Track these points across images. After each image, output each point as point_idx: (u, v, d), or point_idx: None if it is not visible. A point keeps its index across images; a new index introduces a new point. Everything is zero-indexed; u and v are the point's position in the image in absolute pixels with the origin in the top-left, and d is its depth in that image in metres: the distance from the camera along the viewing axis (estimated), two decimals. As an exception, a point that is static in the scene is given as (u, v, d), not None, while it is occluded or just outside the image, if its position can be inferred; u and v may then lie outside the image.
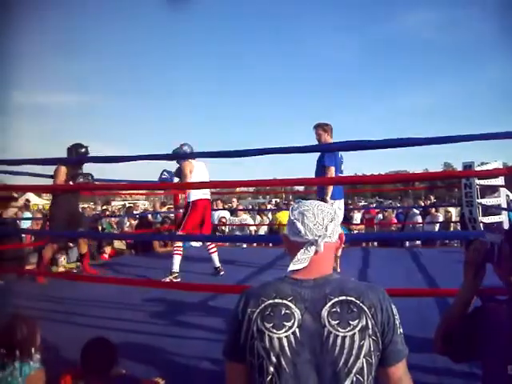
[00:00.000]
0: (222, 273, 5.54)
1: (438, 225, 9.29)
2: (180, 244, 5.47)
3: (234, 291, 3.58)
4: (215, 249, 5.69)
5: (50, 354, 2.66)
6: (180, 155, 5.52)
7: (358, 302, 1.32)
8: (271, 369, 1.29)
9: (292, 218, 1.42)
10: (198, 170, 5.54)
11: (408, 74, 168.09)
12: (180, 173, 5.60)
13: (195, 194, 5.54)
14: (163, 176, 5.64)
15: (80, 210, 6.06)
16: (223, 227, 9.84)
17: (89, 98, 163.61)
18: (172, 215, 9.59)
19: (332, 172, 5.00)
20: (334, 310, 1.31)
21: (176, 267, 5.29)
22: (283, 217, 9.49)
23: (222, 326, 3.42)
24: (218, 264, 5.63)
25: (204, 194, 5.63)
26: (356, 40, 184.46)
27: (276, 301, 1.35)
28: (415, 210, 9.94)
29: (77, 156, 5.31)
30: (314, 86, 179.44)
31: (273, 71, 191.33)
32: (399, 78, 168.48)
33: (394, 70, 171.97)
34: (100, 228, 9.72)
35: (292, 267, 1.37)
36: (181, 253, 5.39)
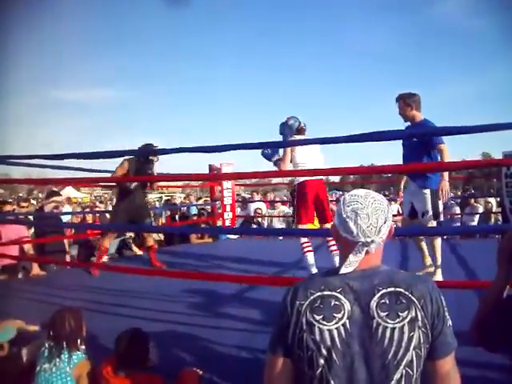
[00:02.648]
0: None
1: (477, 216, 9.08)
2: (305, 240, 4.57)
3: (270, 283, 3.62)
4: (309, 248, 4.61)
5: (92, 344, 2.74)
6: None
7: (407, 293, 1.31)
8: (321, 361, 1.28)
9: (344, 214, 1.35)
10: (305, 149, 4.55)
11: (451, 61, 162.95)
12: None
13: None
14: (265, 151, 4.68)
15: (145, 203, 6.03)
16: (259, 219, 9.86)
17: (129, 93, 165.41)
18: (208, 207, 9.67)
19: (448, 152, 4.02)
20: (383, 301, 1.30)
21: (311, 265, 4.51)
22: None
23: (259, 317, 3.44)
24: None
25: None
26: (394, 26, 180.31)
27: (325, 293, 1.34)
28: (453, 201, 9.75)
29: (144, 153, 5.30)
30: (350, 74, 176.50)
31: (305, 58, 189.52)
32: (441, 66, 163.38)
33: (436, 57, 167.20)
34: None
35: (344, 270, 1.35)
36: (311, 249, 4.57)
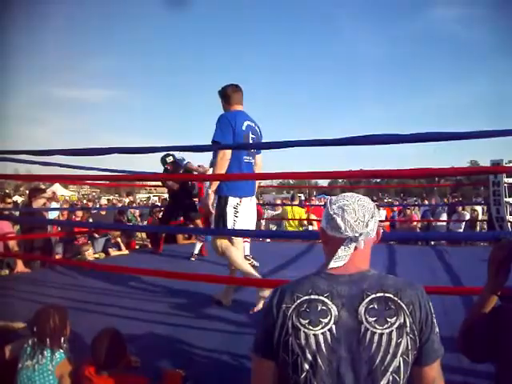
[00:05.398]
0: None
1: (464, 223, 9.14)
2: None
3: (257, 285, 3.59)
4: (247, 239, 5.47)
5: (75, 343, 2.70)
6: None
7: (396, 298, 1.30)
8: (306, 366, 1.27)
9: (331, 212, 1.37)
10: None
11: (440, 71, 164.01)
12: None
13: None
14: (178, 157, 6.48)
15: (191, 201, 7.16)
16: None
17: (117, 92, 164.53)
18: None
19: (225, 154, 3.49)
20: (372, 306, 1.29)
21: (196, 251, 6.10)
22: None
23: (244, 319, 3.42)
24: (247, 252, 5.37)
25: None
26: (384, 36, 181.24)
27: (312, 297, 1.33)
28: (441, 208, 9.81)
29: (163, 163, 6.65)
30: (343, 80, 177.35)
31: (300, 65, 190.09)
32: (430, 75, 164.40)
33: (425, 66, 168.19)
34: (125, 219, 9.80)
35: (333, 265, 1.34)
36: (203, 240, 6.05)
